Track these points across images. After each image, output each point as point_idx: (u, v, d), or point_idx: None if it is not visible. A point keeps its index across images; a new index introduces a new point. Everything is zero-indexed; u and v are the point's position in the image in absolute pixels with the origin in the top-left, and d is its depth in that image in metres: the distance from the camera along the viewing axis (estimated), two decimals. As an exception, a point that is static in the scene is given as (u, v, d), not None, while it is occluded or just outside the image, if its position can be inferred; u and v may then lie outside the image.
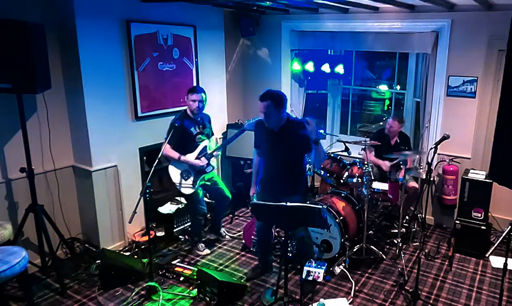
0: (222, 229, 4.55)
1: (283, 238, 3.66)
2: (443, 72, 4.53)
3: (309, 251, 3.46)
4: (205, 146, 3.97)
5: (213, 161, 4.07)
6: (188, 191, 3.95)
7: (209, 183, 4.15)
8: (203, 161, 3.92)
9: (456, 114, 4.55)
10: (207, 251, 4.17)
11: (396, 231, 4.22)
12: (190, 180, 3.92)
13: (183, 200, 4.63)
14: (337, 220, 3.82)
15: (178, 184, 3.92)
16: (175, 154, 3.85)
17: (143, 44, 4.17)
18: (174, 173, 3.93)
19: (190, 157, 3.91)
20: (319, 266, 3.62)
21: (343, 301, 3.35)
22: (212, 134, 4.19)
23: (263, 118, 3.19)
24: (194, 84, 4.80)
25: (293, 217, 2.83)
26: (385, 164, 4.36)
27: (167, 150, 3.81)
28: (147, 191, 3.30)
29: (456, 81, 4.49)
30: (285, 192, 3.24)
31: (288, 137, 3.25)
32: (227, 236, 4.52)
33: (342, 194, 4.24)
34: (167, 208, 4.49)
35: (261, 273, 3.78)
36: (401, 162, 4.09)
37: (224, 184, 4.32)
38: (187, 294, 3.48)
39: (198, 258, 4.11)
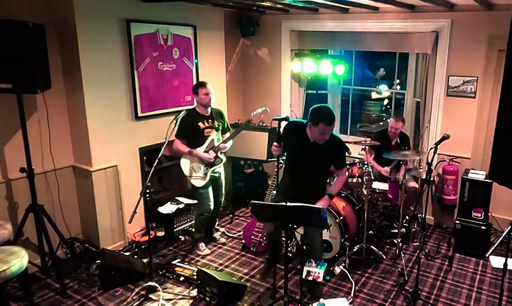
0: (216, 234, 4.53)
1: (283, 238, 3.65)
2: (443, 72, 4.53)
3: (316, 253, 3.42)
4: (213, 139, 4.00)
5: (221, 154, 4.08)
6: (199, 183, 3.98)
7: (216, 175, 4.14)
8: (211, 154, 3.96)
9: (456, 114, 4.55)
10: (207, 251, 4.17)
11: (396, 231, 4.22)
12: (200, 172, 3.96)
13: (183, 200, 4.64)
14: (337, 220, 3.82)
15: (189, 177, 3.98)
16: (185, 148, 3.92)
17: (143, 44, 4.17)
18: (185, 166, 3.98)
19: (199, 151, 3.94)
20: (319, 266, 3.61)
21: (343, 301, 3.35)
22: (229, 128, 4.20)
23: (322, 137, 3.04)
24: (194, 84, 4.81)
25: (294, 217, 2.83)
26: (385, 171, 4.35)
27: (177, 144, 3.92)
28: (147, 191, 3.30)
29: (456, 81, 4.49)
30: (307, 197, 3.04)
31: (323, 149, 3.14)
32: (221, 239, 4.50)
33: (342, 194, 4.24)
34: (167, 208, 4.49)
35: (270, 269, 3.71)
36: (401, 162, 4.10)
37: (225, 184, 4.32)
38: (187, 294, 3.48)
39: (198, 258, 4.11)
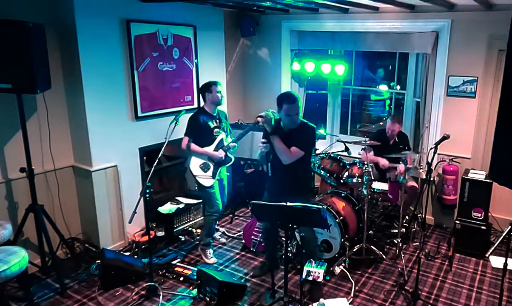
0: (216, 234, 4.52)
1: (283, 238, 3.66)
2: (443, 72, 4.53)
3: (312, 252, 3.43)
4: (222, 139, 4.01)
5: (231, 153, 4.08)
6: (208, 182, 3.96)
7: (222, 177, 4.14)
8: (221, 153, 3.96)
9: (456, 114, 4.55)
10: (214, 259, 4.07)
11: (396, 231, 4.22)
12: (209, 172, 3.96)
13: (183, 200, 4.64)
14: (337, 220, 3.82)
15: (198, 176, 3.95)
16: (197, 148, 3.90)
17: (143, 44, 4.17)
18: (194, 165, 3.96)
19: (209, 149, 3.94)
20: (319, 266, 3.62)
21: (343, 301, 3.35)
22: (230, 131, 4.21)
23: (291, 119, 3.21)
24: (194, 84, 4.81)
25: (293, 217, 2.84)
26: (384, 162, 4.35)
27: (187, 142, 3.90)
28: (147, 191, 3.30)
29: (456, 81, 4.49)
30: (288, 193, 3.17)
31: (295, 139, 3.24)
32: (222, 239, 4.50)
33: (342, 194, 4.24)
34: (167, 208, 4.49)
35: (268, 270, 3.77)
36: (400, 162, 4.10)
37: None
38: (187, 294, 3.48)
39: (198, 258, 4.11)
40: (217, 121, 4.02)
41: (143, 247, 4.09)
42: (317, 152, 4.92)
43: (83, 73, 3.72)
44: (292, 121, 3.23)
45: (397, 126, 4.42)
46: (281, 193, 3.20)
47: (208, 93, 3.92)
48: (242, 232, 4.44)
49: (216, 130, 3.98)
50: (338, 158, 4.53)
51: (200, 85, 4.06)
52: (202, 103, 4.07)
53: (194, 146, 3.91)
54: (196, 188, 4.13)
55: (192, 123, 3.90)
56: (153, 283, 3.47)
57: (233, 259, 4.12)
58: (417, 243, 4.34)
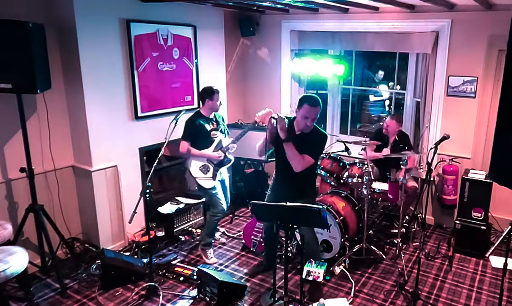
0: (216, 234, 4.50)
1: (283, 238, 3.67)
2: (443, 72, 4.53)
3: (313, 253, 3.42)
4: (220, 140, 4.02)
5: (230, 154, 4.09)
6: (209, 184, 3.97)
7: (223, 178, 4.15)
8: (220, 154, 3.97)
9: (456, 114, 4.55)
10: (214, 259, 4.07)
11: (396, 231, 4.22)
12: (210, 173, 3.96)
13: (183, 200, 4.64)
14: (337, 220, 3.82)
15: (198, 178, 3.96)
16: (184, 146, 3.89)
17: (143, 44, 4.17)
18: (194, 168, 3.97)
19: (207, 151, 3.95)
20: (319, 266, 3.62)
21: (343, 301, 3.35)
22: (228, 133, 4.22)
23: (306, 122, 3.15)
24: (194, 84, 4.81)
25: (293, 217, 2.84)
26: (385, 152, 4.33)
27: (186, 146, 3.89)
28: (147, 191, 3.30)
29: (456, 81, 4.49)
30: (293, 194, 3.16)
31: (305, 142, 3.20)
32: (222, 239, 4.50)
33: (342, 194, 4.24)
34: (167, 208, 4.49)
35: (264, 270, 3.79)
36: (401, 162, 4.09)
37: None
38: (187, 294, 3.48)
39: (198, 258, 4.11)
40: (214, 123, 4.03)
41: (143, 247, 4.09)
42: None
43: (83, 73, 3.72)
44: (306, 125, 3.17)
45: (393, 123, 4.41)
46: (286, 195, 3.15)
47: (209, 99, 3.92)
48: (242, 232, 4.44)
49: (213, 132, 3.99)
50: (338, 158, 4.53)
51: (202, 88, 4.05)
52: (200, 105, 4.08)
53: (193, 150, 3.91)
54: (196, 188, 4.13)
55: (189, 126, 3.91)
56: (153, 283, 3.47)
57: (233, 259, 4.12)
58: (417, 243, 4.34)
